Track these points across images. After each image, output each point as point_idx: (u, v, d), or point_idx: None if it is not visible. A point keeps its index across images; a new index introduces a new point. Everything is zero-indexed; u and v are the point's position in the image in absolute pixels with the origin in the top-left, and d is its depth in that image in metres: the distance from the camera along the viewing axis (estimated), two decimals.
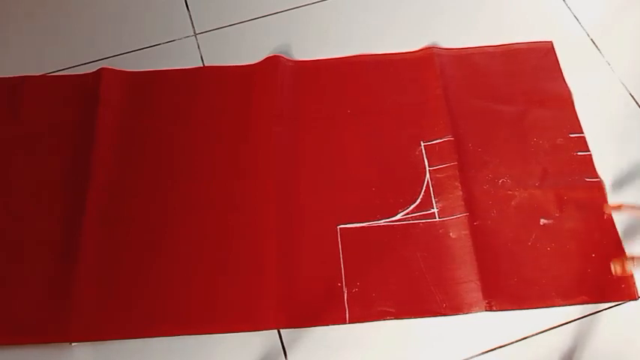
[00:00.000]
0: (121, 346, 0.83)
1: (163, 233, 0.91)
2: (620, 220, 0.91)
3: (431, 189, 0.94)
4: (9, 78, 1.06)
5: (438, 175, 0.95)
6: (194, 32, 1.13)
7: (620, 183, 0.94)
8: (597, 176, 0.95)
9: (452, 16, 1.15)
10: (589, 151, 0.97)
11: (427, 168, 0.96)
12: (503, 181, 0.95)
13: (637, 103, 1.03)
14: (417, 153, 0.97)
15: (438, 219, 0.91)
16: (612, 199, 0.93)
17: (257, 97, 1.03)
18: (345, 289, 0.86)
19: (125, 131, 1.00)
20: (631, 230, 0.90)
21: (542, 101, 1.02)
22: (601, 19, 1.14)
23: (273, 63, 1.06)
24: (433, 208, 0.92)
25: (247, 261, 0.88)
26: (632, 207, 0.84)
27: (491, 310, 0.84)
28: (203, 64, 1.09)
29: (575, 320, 0.84)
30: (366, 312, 0.85)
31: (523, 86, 1.04)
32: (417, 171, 0.96)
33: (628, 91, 1.04)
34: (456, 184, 0.93)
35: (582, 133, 0.99)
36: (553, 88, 1.04)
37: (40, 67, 1.08)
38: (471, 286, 0.85)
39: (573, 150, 0.97)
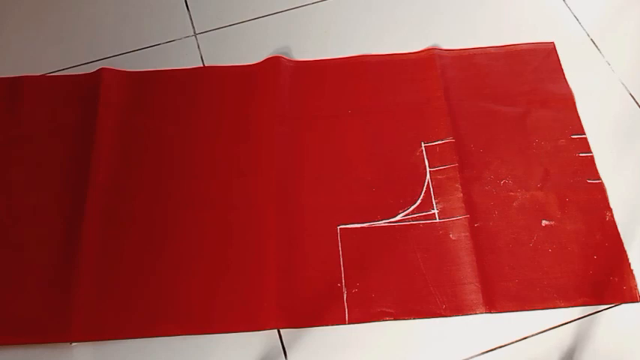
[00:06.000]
0: (121, 346, 0.83)
1: (163, 233, 0.91)
2: (621, 221, 0.91)
3: (431, 190, 0.94)
4: (9, 78, 1.06)
5: (438, 177, 0.95)
6: (194, 32, 1.13)
7: None
8: (599, 177, 0.95)
9: (453, 17, 1.15)
10: (591, 152, 0.97)
11: (428, 169, 0.96)
12: (504, 182, 0.95)
13: (637, 103, 1.03)
14: (417, 154, 0.97)
15: (438, 220, 0.91)
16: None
17: (257, 97, 1.03)
18: (344, 290, 0.86)
19: (125, 131, 1.00)
20: (632, 232, 0.90)
21: (544, 102, 1.02)
22: (601, 19, 1.14)
23: (274, 63, 1.06)
24: (433, 209, 0.92)
25: (247, 261, 0.88)
26: None
27: (491, 312, 0.84)
28: (203, 64, 1.08)
29: (575, 320, 0.84)
30: (365, 312, 0.85)
31: (525, 87, 1.04)
32: (417, 172, 0.96)
33: (628, 91, 1.04)
34: (457, 185, 0.93)
35: (584, 134, 0.99)
36: (555, 89, 1.04)
37: (40, 67, 1.08)
38: (471, 288, 0.85)
39: (575, 151, 0.97)
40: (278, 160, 0.96)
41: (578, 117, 1.01)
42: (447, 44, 1.10)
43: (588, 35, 1.12)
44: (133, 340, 0.84)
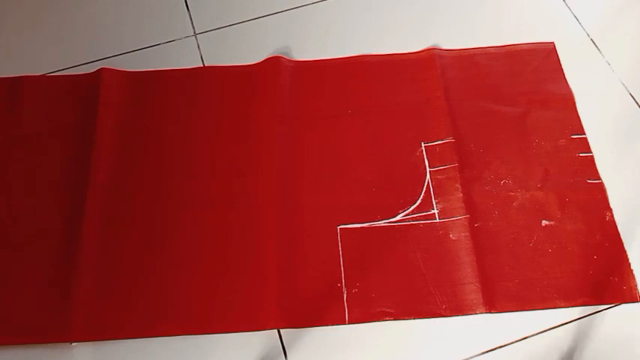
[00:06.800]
0: (121, 346, 0.83)
1: (163, 233, 0.91)
2: (621, 221, 0.91)
3: (431, 190, 0.94)
4: (9, 78, 1.06)
5: (438, 177, 0.95)
6: (194, 32, 1.13)
7: None
8: (599, 177, 0.95)
9: (453, 17, 1.15)
10: (591, 152, 0.97)
11: (427, 169, 0.96)
12: (504, 182, 0.95)
13: (637, 103, 1.03)
14: (417, 154, 0.97)
15: (438, 220, 0.91)
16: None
17: (257, 97, 1.03)
18: (344, 290, 0.86)
19: (125, 131, 1.00)
20: (632, 232, 0.90)
21: (544, 102, 1.02)
22: (601, 19, 1.14)
23: (274, 63, 1.06)
24: (433, 209, 0.92)
25: (247, 261, 0.88)
26: None
27: (491, 312, 0.84)
28: (203, 64, 1.09)
29: (575, 320, 0.84)
30: (365, 312, 0.85)
31: (525, 87, 1.04)
32: (417, 172, 0.96)
33: (628, 91, 1.04)
34: (457, 185, 0.93)
35: (584, 134, 0.99)
36: (555, 89, 1.04)
37: (40, 67, 1.08)
38: (471, 288, 0.85)
39: (575, 151, 0.97)
40: (278, 160, 0.96)
41: (578, 117, 1.01)
42: (447, 44, 1.10)
43: (588, 35, 1.12)
44: (133, 340, 0.84)
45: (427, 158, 0.97)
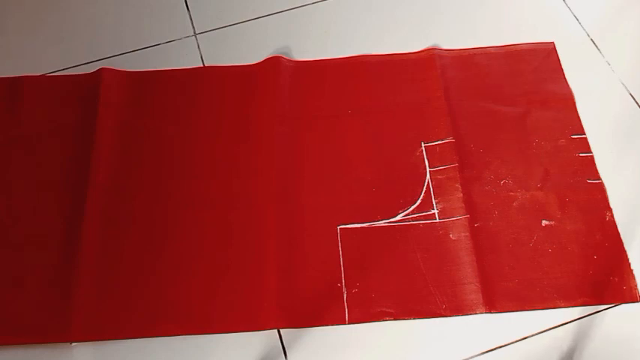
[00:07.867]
0: (121, 346, 0.83)
1: (163, 233, 0.91)
2: (621, 221, 0.91)
3: (431, 190, 0.94)
4: (9, 78, 1.06)
5: (438, 177, 0.95)
6: (194, 32, 1.13)
7: None
8: (599, 177, 0.95)
9: (453, 17, 1.15)
10: (591, 152, 0.97)
11: (427, 169, 0.96)
12: (504, 182, 0.95)
13: (637, 103, 1.03)
14: (417, 154, 0.97)
15: (438, 220, 0.91)
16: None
17: (257, 97, 1.03)
18: (344, 290, 0.86)
19: (125, 131, 1.00)
20: (632, 232, 0.90)
21: (544, 102, 1.02)
22: (601, 19, 1.14)
23: (274, 63, 1.06)
24: (433, 209, 0.92)
25: (247, 261, 0.89)
26: None
27: (491, 312, 0.84)
28: (203, 64, 1.09)
29: (575, 320, 0.84)
30: (365, 312, 0.85)
31: (525, 87, 1.04)
32: (417, 172, 0.96)
33: (628, 91, 1.04)
34: (457, 185, 0.93)
35: (584, 134, 0.99)
36: (555, 89, 1.04)
37: (40, 67, 1.08)
38: (471, 288, 0.85)
39: (575, 151, 0.97)
40: (278, 160, 0.96)
41: (578, 117, 1.01)
42: (447, 44, 1.10)
43: (588, 35, 1.12)
44: (133, 340, 0.84)
45: (427, 158, 0.97)
